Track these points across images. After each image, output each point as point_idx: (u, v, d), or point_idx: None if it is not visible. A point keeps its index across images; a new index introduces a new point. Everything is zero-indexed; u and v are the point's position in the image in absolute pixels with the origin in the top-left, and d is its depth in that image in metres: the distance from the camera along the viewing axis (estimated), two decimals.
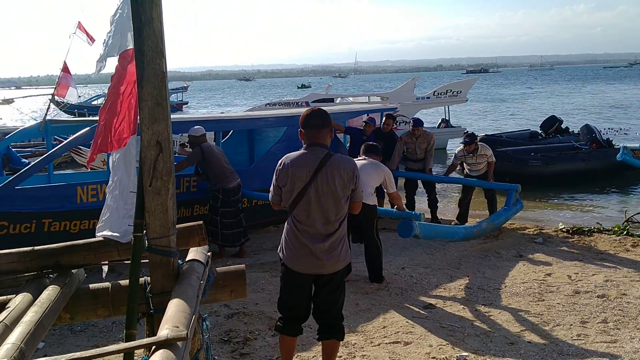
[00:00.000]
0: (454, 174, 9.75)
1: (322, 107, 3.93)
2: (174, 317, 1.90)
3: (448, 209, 10.37)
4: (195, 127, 7.02)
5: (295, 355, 4.12)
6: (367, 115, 9.58)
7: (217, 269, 2.65)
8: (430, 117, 21.80)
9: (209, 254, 2.64)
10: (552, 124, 15.84)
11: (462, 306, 5.32)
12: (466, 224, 8.53)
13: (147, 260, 2.32)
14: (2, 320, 1.91)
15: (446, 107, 19.89)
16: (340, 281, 3.65)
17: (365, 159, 6.13)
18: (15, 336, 1.79)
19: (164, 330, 1.76)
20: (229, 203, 6.95)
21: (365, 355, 4.28)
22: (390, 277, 6.11)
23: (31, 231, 6.10)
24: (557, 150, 13.43)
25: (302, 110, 4.07)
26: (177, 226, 2.38)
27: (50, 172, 7.95)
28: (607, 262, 6.72)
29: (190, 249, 2.62)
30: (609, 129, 22.41)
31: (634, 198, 11.97)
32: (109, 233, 2.50)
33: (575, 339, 4.51)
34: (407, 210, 6.66)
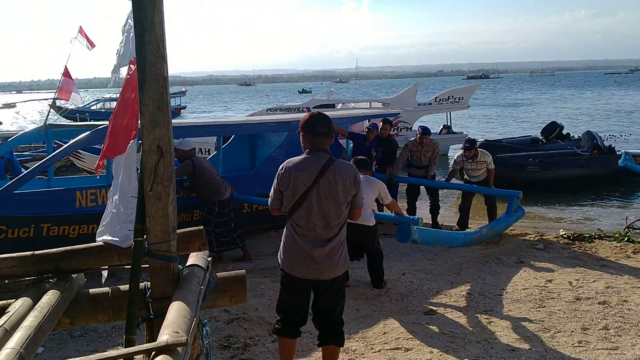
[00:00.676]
0: (453, 180, 9.75)
1: (325, 113, 3.92)
2: (174, 322, 1.89)
3: (448, 215, 10.37)
4: (184, 140, 7.00)
5: None
6: (369, 121, 9.58)
7: (217, 274, 2.64)
8: (430, 124, 21.77)
9: (209, 259, 2.64)
10: (552, 129, 15.85)
11: (463, 312, 5.31)
12: (467, 229, 8.51)
13: (147, 265, 2.32)
14: (2, 325, 1.91)
15: (448, 113, 19.87)
16: (340, 287, 3.65)
17: None
18: (15, 341, 1.78)
19: (164, 336, 1.76)
20: (223, 214, 6.98)
21: None
22: (390, 283, 6.10)
23: (29, 235, 6.09)
24: (556, 156, 13.43)
25: (301, 115, 4.07)
26: (178, 231, 2.38)
27: (51, 177, 7.96)
28: (608, 268, 6.71)
29: (191, 254, 2.62)
30: (610, 135, 22.41)
31: (635, 204, 11.96)
32: (109, 238, 2.49)
33: (576, 346, 4.50)
34: (406, 214, 6.61)
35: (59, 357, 4.33)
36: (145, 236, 2.30)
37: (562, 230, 8.66)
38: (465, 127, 26.65)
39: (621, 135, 23.11)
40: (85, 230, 6.36)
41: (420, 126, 9.48)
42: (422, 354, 4.36)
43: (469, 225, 8.86)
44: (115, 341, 4.56)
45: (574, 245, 7.77)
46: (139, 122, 2.28)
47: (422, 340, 4.60)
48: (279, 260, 3.62)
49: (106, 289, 2.48)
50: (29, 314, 2.03)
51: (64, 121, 18.56)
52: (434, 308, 5.44)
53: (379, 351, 4.44)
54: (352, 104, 20.39)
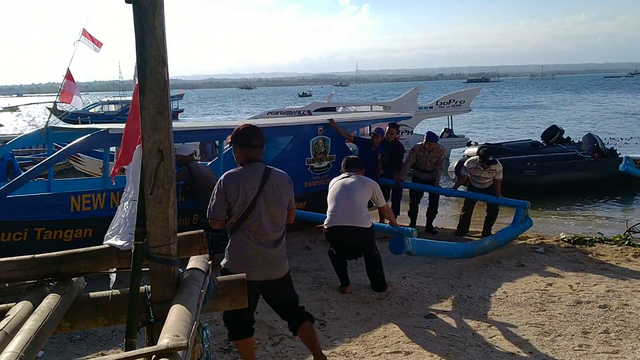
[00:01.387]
0: (452, 184, 9.72)
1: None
2: (175, 326, 1.89)
3: (447, 220, 10.36)
4: (183, 146, 7.01)
5: None
6: (371, 125, 9.57)
7: (217, 277, 2.64)
8: (432, 128, 21.77)
9: (209, 262, 2.64)
10: (553, 133, 15.83)
11: (463, 316, 5.30)
12: (467, 236, 8.46)
13: (148, 269, 2.31)
14: (2, 329, 1.90)
15: (449, 116, 19.84)
16: (290, 281, 3.97)
17: (349, 175, 5.93)
18: (15, 344, 1.78)
19: (164, 340, 1.75)
20: None
21: None
22: (391, 286, 6.08)
23: (23, 239, 6.06)
24: (554, 160, 13.36)
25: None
26: (178, 235, 2.38)
27: (51, 179, 7.96)
28: (609, 272, 6.70)
29: (191, 257, 2.62)
30: (610, 138, 22.40)
31: (635, 208, 11.96)
32: (113, 242, 2.50)
33: (576, 349, 4.49)
34: (399, 225, 6.37)
35: None
36: (145, 239, 2.30)
37: (562, 233, 8.66)
38: (466, 131, 26.64)
39: (622, 139, 23.13)
40: (80, 234, 6.36)
41: (426, 131, 9.37)
42: (422, 358, 4.35)
43: (473, 231, 8.84)
44: (116, 345, 4.56)
45: (575, 249, 7.77)
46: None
47: (422, 344, 4.60)
48: (230, 269, 3.69)
49: (106, 293, 2.48)
50: (29, 317, 2.02)
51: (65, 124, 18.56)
52: (434, 312, 5.43)
53: (379, 355, 4.43)
54: (353, 107, 20.38)
